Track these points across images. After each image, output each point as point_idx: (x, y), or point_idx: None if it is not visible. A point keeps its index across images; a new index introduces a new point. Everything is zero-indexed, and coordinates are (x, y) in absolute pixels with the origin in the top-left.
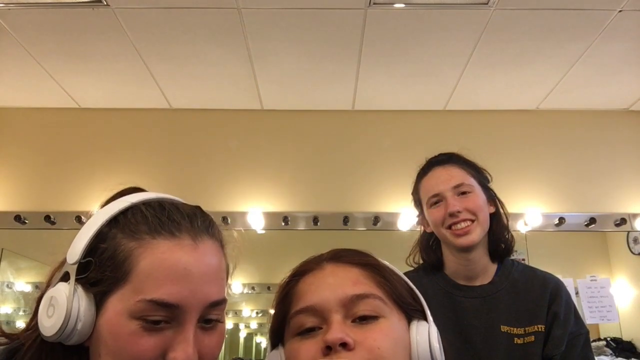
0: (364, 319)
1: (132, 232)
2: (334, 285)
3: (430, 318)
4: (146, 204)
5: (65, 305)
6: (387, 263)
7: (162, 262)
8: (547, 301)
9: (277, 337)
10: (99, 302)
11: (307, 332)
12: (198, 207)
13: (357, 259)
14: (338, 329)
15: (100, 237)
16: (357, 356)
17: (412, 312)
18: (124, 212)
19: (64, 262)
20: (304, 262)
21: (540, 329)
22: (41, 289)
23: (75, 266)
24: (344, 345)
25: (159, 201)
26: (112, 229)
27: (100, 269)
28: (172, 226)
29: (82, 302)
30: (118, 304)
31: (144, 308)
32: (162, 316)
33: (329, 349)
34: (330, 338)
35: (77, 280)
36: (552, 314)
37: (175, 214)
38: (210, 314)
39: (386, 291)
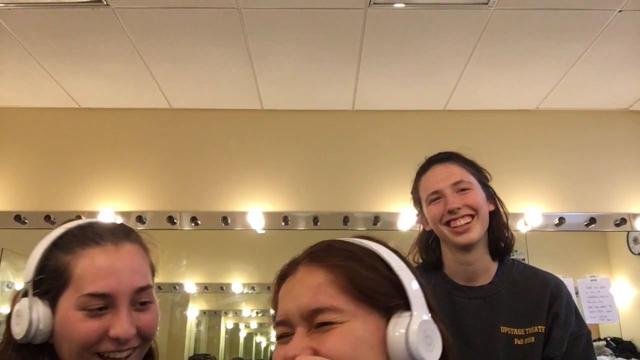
0: (322, 326)
1: (67, 248)
2: (298, 296)
3: (415, 307)
4: (77, 226)
5: (28, 315)
6: (369, 248)
7: (92, 264)
8: (548, 302)
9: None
10: (53, 306)
11: (281, 338)
12: (122, 223)
13: (326, 260)
14: (295, 344)
15: (46, 257)
16: None
17: (393, 308)
18: (60, 236)
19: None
20: (285, 265)
21: (540, 330)
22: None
23: (30, 283)
24: None
25: (88, 223)
26: (53, 250)
27: (49, 281)
28: (97, 237)
29: (39, 309)
30: (66, 302)
31: (84, 300)
32: (100, 304)
33: None
34: (287, 354)
35: (34, 293)
36: (553, 314)
37: (98, 229)
38: (141, 298)
39: (353, 294)
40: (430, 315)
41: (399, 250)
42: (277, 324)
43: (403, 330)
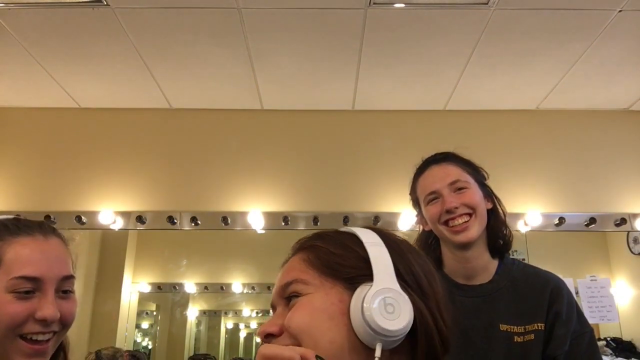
0: (291, 299)
1: None
2: (278, 279)
3: (378, 276)
4: (5, 219)
5: None
6: (346, 230)
7: (23, 250)
8: (548, 300)
9: None
10: None
11: None
12: (44, 220)
13: (304, 243)
14: (268, 321)
15: None
16: (283, 341)
17: (358, 279)
18: None
19: None
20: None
21: (540, 328)
22: None
23: None
24: (270, 335)
25: (15, 217)
26: None
27: None
28: (27, 229)
29: None
30: None
31: (15, 283)
32: (29, 287)
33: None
34: (257, 332)
35: None
36: (554, 313)
37: (27, 222)
38: (65, 286)
39: (319, 268)
40: (398, 285)
41: (386, 230)
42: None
43: (361, 299)
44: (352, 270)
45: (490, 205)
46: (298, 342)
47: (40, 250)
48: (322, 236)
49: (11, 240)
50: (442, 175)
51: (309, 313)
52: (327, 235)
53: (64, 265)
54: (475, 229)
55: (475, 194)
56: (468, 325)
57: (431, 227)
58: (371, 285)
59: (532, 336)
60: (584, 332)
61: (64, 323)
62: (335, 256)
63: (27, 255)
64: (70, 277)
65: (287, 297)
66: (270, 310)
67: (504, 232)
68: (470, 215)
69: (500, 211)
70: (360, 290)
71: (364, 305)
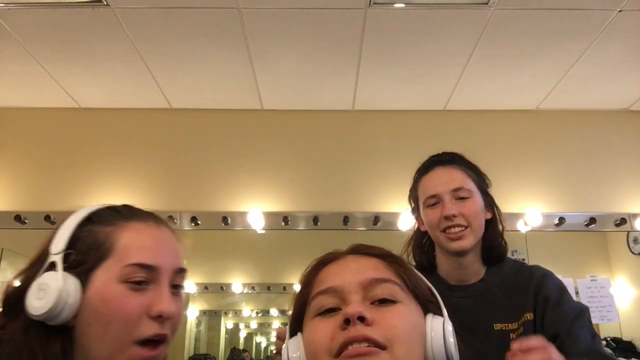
0: (382, 302)
1: (107, 221)
2: (355, 270)
3: (445, 314)
4: (114, 205)
5: (56, 286)
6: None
7: (138, 235)
8: (534, 289)
9: (297, 324)
10: (84, 279)
11: (327, 312)
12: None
13: (377, 251)
14: (357, 305)
15: (79, 230)
16: (374, 331)
17: (429, 305)
18: (95, 212)
19: (38, 258)
20: (327, 253)
21: (529, 318)
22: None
23: (61, 255)
24: (362, 319)
25: (125, 204)
26: (87, 224)
27: (82, 253)
28: (140, 215)
29: (69, 281)
30: (105, 274)
31: (129, 271)
32: (144, 277)
33: (347, 323)
34: (349, 311)
35: (64, 267)
36: (543, 298)
37: (140, 210)
38: (177, 280)
39: (404, 280)
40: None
41: None
42: (322, 292)
43: (441, 330)
44: (429, 296)
45: (489, 216)
46: (387, 343)
47: (156, 237)
48: (386, 251)
49: (123, 225)
50: (446, 180)
51: (411, 325)
52: (388, 252)
53: (178, 256)
54: (469, 240)
55: (475, 204)
56: (463, 325)
57: (428, 231)
58: (443, 319)
59: (522, 329)
60: (581, 310)
61: (173, 324)
62: (411, 273)
63: (142, 242)
64: (184, 271)
65: (377, 295)
66: (326, 297)
67: (500, 242)
68: (466, 227)
69: (499, 222)
70: (433, 320)
71: (448, 339)
